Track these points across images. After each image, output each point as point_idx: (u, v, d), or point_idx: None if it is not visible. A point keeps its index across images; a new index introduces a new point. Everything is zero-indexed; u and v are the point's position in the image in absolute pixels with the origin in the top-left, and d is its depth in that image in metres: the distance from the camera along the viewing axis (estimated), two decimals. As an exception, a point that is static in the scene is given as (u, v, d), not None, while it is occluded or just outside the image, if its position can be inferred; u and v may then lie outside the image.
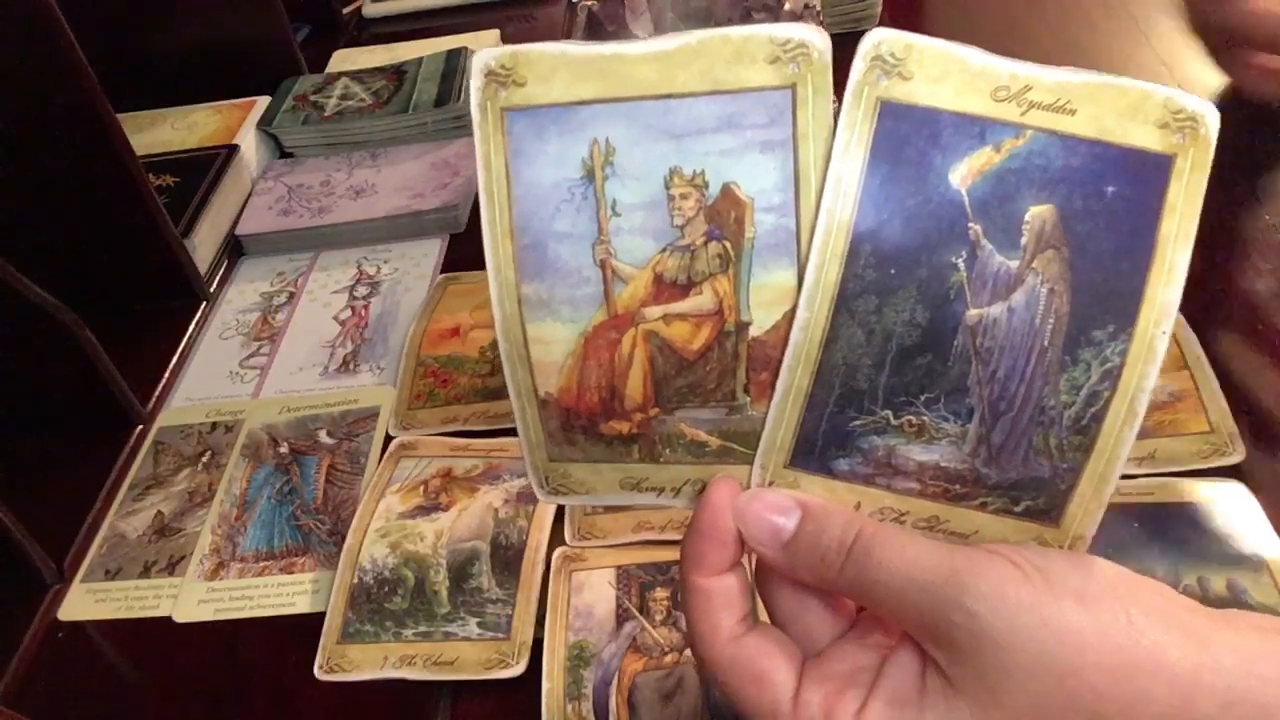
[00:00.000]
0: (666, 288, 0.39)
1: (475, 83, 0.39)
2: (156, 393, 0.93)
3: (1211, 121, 0.37)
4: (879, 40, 0.37)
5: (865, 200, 0.37)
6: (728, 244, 0.39)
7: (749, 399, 0.40)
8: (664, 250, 0.39)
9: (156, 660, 0.72)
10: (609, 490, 0.43)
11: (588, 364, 0.40)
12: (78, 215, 0.94)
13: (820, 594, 0.41)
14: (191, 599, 0.75)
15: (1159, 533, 0.64)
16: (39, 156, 0.90)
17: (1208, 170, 0.37)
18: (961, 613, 0.35)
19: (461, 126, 1.15)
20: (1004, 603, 0.35)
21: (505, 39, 1.35)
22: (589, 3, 1.20)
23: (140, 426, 0.89)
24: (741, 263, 0.39)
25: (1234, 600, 0.60)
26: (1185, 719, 0.34)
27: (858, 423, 0.39)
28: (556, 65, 0.38)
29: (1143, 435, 0.68)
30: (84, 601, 0.77)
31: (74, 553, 0.80)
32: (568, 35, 0.85)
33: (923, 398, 0.39)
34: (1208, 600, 0.60)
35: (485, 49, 0.39)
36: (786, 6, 0.78)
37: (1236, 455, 0.68)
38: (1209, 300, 0.79)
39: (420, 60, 1.24)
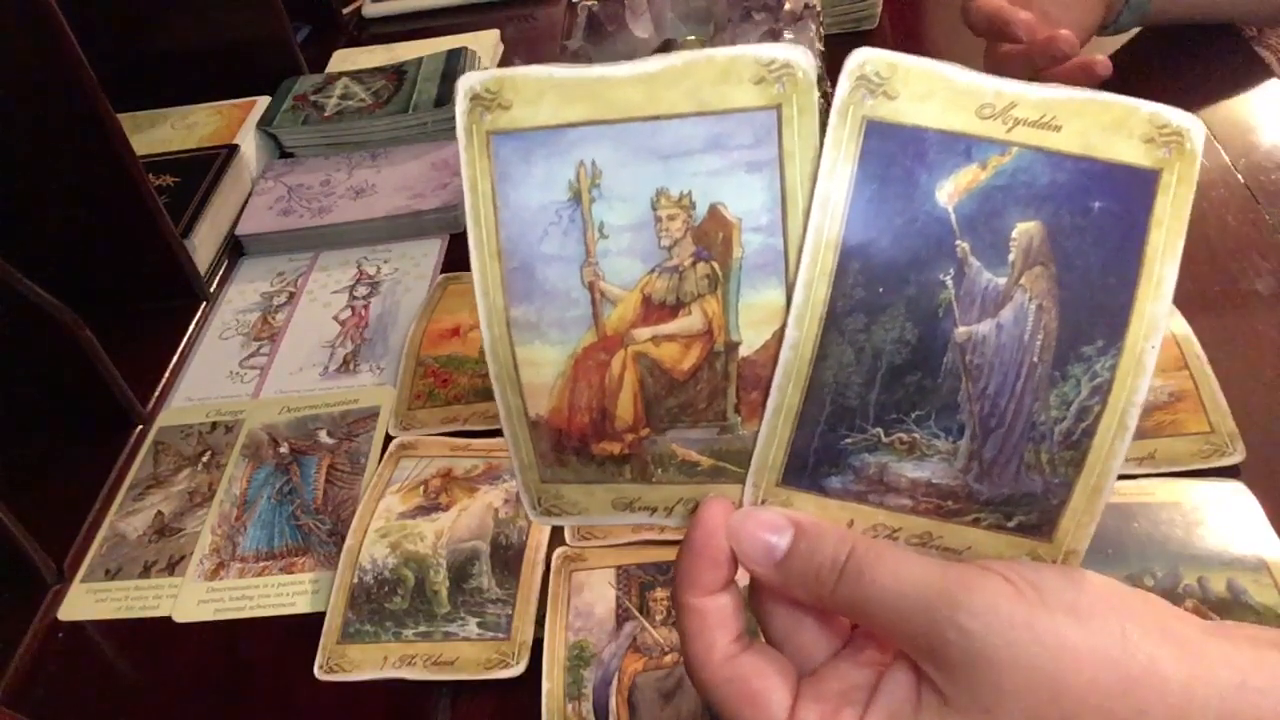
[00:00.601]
0: (655, 309, 0.39)
1: (461, 106, 0.38)
2: (156, 393, 0.93)
3: (1197, 135, 0.36)
4: (864, 60, 0.36)
5: (853, 219, 0.37)
6: (716, 264, 0.38)
7: (740, 418, 0.40)
8: (652, 271, 0.39)
9: (156, 660, 0.73)
10: (601, 511, 0.43)
11: (578, 385, 0.40)
12: (78, 215, 0.94)
13: (814, 612, 0.41)
14: (191, 599, 0.75)
15: (1159, 533, 0.64)
16: (39, 156, 0.90)
17: (1194, 184, 0.37)
18: (955, 629, 0.35)
19: (461, 126, 1.14)
20: (997, 619, 0.35)
21: (505, 39, 1.35)
22: (589, 3, 1.20)
23: (140, 426, 0.89)
24: (730, 283, 0.39)
25: (1234, 600, 0.60)
26: None
27: (849, 440, 0.39)
28: (542, 88, 0.38)
29: (1142, 435, 0.68)
30: (84, 601, 0.77)
31: (74, 553, 0.80)
32: (568, 36, 0.85)
33: (913, 415, 0.38)
34: (1208, 601, 0.60)
35: (471, 73, 0.39)
36: (786, 7, 0.78)
37: (1236, 455, 0.68)
38: (1209, 300, 0.78)
39: (420, 60, 1.24)
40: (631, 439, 0.41)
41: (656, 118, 0.37)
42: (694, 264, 0.39)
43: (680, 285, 0.39)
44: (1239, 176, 0.90)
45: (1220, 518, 0.65)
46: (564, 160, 0.38)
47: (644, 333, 0.40)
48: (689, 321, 0.39)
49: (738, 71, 0.37)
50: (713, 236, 0.38)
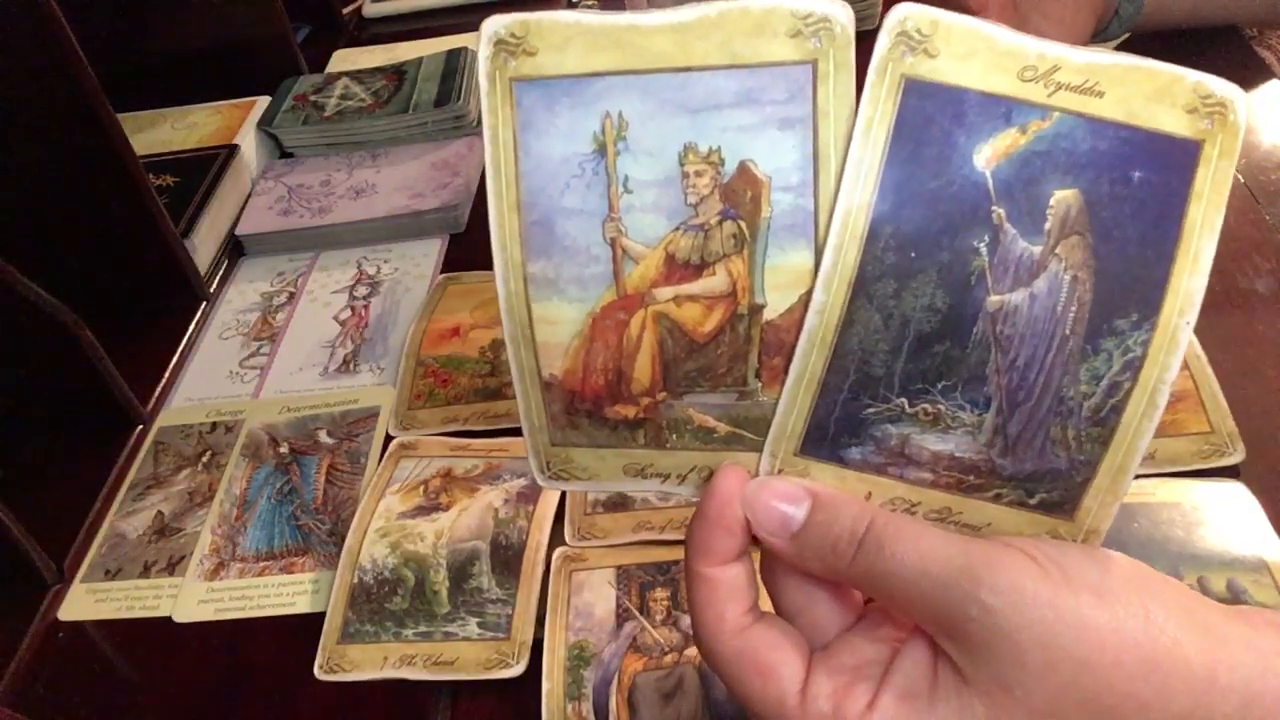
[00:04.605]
0: (678, 268, 0.38)
1: (484, 51, 0.37)
2: (156, 393, 0.92)
3: (1240, 107, 0.36)
4: (905, 15, 0.36)
5: (886, 181, 0.36)
6: (743, 224, 0.37)
7: (760, 384, 0.39)
8: (677, 229, 0.38)
9: (156, 660, 0.72)
10: (612, 477, 0.42)
11: (594, 345, 0.39)
12: (78, 215, 0.94)
13: (828, 585, 0.40)
14: (191, 599, 0.75)
15: (1159, 533, 0.64)
16: (39, 157, 0.90)
17: (1236, 157, 0.36)
18: (977, 606, 0.34)
19: (461, 126, 1.15)
20: (1020, 597, 0.34)
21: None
22: (589, 3, 1.20)
23: (140, 426, 0.89)
24: (757, 243, 0.38)
25: (1233, 601, 0.60)
26: (1203, 717, 0.34)
27: (872, 410, 0.38)
28: (569, 35, 0.37)
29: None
30: (84, 601, 0.76)
31: (74, 553, 0.79)
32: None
33: (939, 385, 0.38)
34: (1207, 601, 0.60)
35: (495, 16, 0.37)
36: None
37: (1236, 455, 0.68)
38: (1209, 300, 0.78)
39: (420, 60, 1.24)
40: (647, 402, 0.40)
41: (687, 69, 0.36)
42: (720, 222, 0.38)
43: (705, 244, 0.38)
44: (1239, 176, 0.90)
45: (1220, 518, 0.65)
46: (589, 111, 0.37)
47: (665, 292, 0.39)
48: (713, 282, 0.38)
49: (773, 24, 0.36)
50: (741, 195, 0.37)
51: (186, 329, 0.99)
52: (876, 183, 0.36)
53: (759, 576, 0.41)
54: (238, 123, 1.17)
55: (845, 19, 0.36)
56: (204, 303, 1.02)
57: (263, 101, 1.22)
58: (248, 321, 1.00)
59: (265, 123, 1.18)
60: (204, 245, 1.03)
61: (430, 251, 1.04)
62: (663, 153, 0.37)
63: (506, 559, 0.70)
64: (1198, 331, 0.74)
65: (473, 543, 0.71)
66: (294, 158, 1.18)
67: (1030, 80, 0.36)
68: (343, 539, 0.74)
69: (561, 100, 0.37)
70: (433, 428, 0.82)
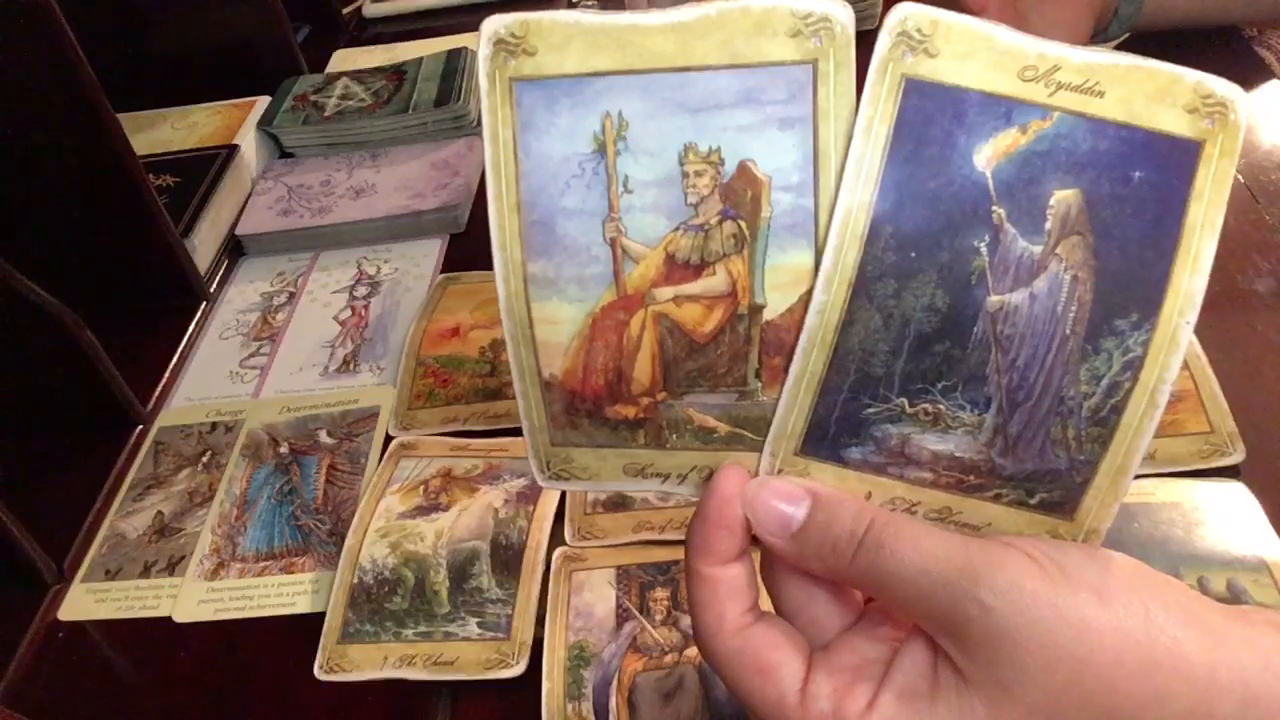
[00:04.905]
0: (678, 268, 0.38)
1: (484, 51, 0.37)
2: (156, 393, 0.92)
3: (1241, 107, 0.36)
4: (905, 15, 0.35)
5: (887, 180, 0.36)
6: (743, 224, 0.37)
7: (760, 384, 0.39)
8: (677, 229, 0.38)
9: (156, 660, 0.72)
10: (612, 477, 0.42)
11: (594, 345, 0.39)
12: (78, 215, 0.94)
13: (828, 585, 0.40)
14: (191, 599, 0.75)
15: (1159, 533, 0.64)
16: (39, 156, 0.90)
17: (1236, 157, 0.36)
18: (977, 606, 0.34)
19: (461, 126, 1.15)
20: (1021, 596, 0.34)
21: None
22: (589, 4, 1.20)
23: (140, 426, 0.89)
24: (757, 243, 0.37)
25: (1233, 601, 0.60)
26: (1204, 716, 0.34)
27: (872, 410, 0.38)
28: (569, 34, 0.37)
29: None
30: (84, 601, 0.76)
31: (74, 553, 0.79)
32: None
33: (939, 385, 0.38)
34: (1207, 601, 0.60)
35: (495, 15, 0.37)
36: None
37: (1236, 455, 0.68)
38: (1209, 300, 0.79)
39: (420, 60, 1.24)
40: (647, 403, 0.40)
41: (687, 69, 0.36)
42: (720, 222, 0.37)
43: (705, 244, 0.38)
44: (1239, 176, 0.90)
45: (1220, 518, 0.65)
46: (589, 110, 0.37)
47: (665, 292, 0.39)
48: (713, 282, 0.38)
49: (773, 24, 0.36)
50: (741, 194, 0.37)
51: (186, 329, 0.99)
52: (877, 182, 0.36)
53: (759, 576, 0.41)
54: (238, 123, 1.17)
55: (845, 19, 0.36)
56: (204, 303, 1.02)
57: (263, 101, 1.22)
58: (248, 321, 1.00)
59: (265, 123, 1.18)
60: (204, 245, 1.03)
61: (430, 251, 1.04)
62: (663, 152, 0.37)
63: (506, 559, 0.70)
64: (1198, 331, 0.74)
65: (473, 543, 0.71)
66: (294, 158, 1.18)
67: (1030, 80, 0.35)
68: (343, 539, 0.74)
69: (561, 100, 0.37)
70: (433, 428, 0.82)
